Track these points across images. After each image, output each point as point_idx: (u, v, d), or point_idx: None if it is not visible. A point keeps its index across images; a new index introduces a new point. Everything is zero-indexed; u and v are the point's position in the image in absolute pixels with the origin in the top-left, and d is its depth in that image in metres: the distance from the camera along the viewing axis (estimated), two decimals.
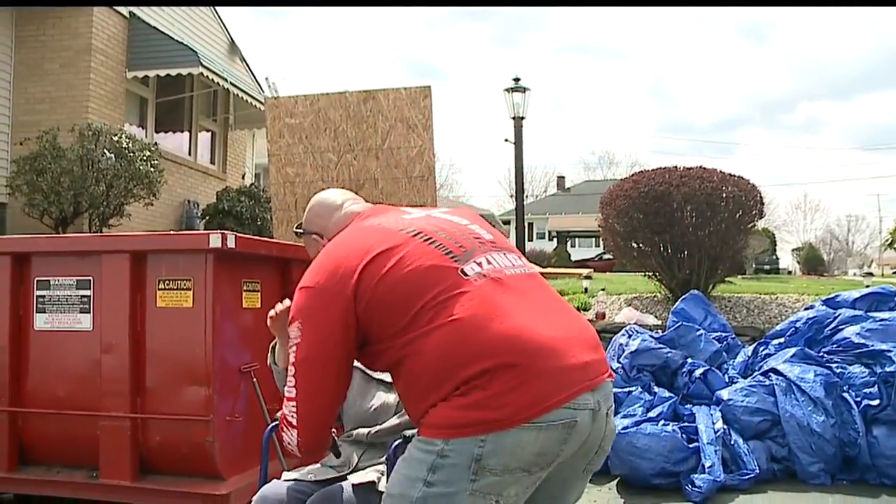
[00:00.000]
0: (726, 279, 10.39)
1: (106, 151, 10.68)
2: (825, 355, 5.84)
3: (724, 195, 9.03)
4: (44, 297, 4.37)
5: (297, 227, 2.65)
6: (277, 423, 2.82)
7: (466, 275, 2.11)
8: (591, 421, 2.06)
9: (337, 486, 2.54)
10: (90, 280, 4.29)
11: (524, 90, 15.92)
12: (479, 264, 2.16)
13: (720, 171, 9.45)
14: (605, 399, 2.12)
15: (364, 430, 2.67)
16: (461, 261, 2.15)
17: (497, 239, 2.33)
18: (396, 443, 2.46)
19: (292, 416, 2.17)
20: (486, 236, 2.30)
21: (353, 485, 2.53)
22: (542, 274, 2.38)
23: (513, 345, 1.99)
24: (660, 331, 6.80)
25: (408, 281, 2.09)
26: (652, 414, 5.56)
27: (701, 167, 9.60)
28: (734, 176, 9.39)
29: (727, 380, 5.95)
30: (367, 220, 2.35)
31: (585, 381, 2.04)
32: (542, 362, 1.98)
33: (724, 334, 6.52)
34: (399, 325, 2.07)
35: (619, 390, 5.73)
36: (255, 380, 4.33)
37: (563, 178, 65.33)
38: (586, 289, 11.65)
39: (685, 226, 8.98)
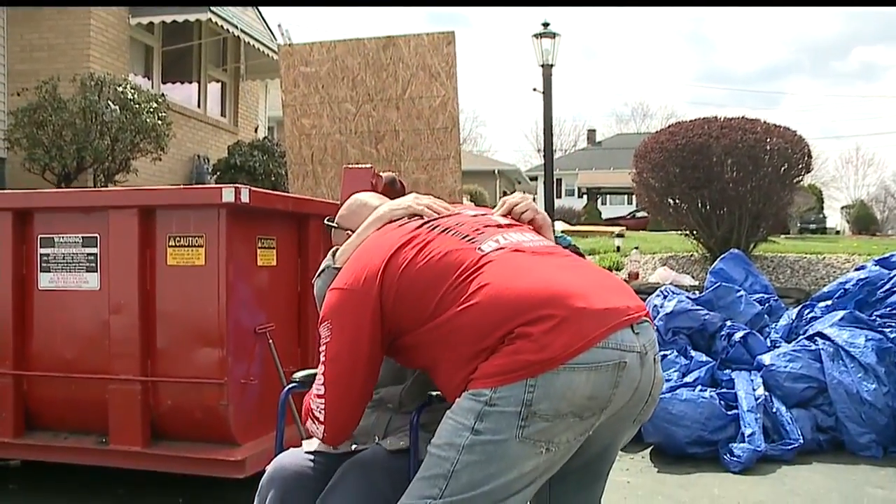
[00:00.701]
0: (769, 238, 10.31)
1: (110, 103, 10.68)
2: (878, 319, 5.79)
3: (768, 148, 8.93)
4: (48, 255, 4.39)
5: (328, 220, 2.85)
6: (294, 385, 2.84)
7: (484, 251, 2.24)
8: (640, 365, 2.13)
9: (370, 453, 2.53)
10: (97, 237, 4.30)
11: (554, 35, 15.73)
12: (497, 241, 2.30)
13: (764, 122, 9.33)
14: (651, 344, 2.20)
15: (394, 391, 2.65)
16: (478, 242, 2.29)
17: (523, 227, 2.49)
18: (421, 404, 2.45)
19: (319, 412, 2.31)
20: (504, 222, 2.47)
21: (388, 451, 2.52)
22: (571, 232, 2.45)
23: (544, 295, 2.08)
24: (697, 292, 6.77)
25: (429, 269, 2.22)
26: (688, 379, 5.55)
27: (743, 118, 9.49)
28: (779, 127, 9.27)
29: (769, 344, 5.93)
30: (398, 223, 2.53)
31: (625, 317, 2.12)
32: (577, 305, 2.08)
33: (765, 296, 6.48)
34: (427, 312, 2.18)
35: None
36: (270, 341, 4.34)
37: (594, 131, 64.98)
38: (618, 247, 11.62)
39: (725, 180, 8.90)
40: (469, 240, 2.29)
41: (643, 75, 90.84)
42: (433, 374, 2.27)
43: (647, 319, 2.22)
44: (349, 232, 2.67)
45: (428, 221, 2.45)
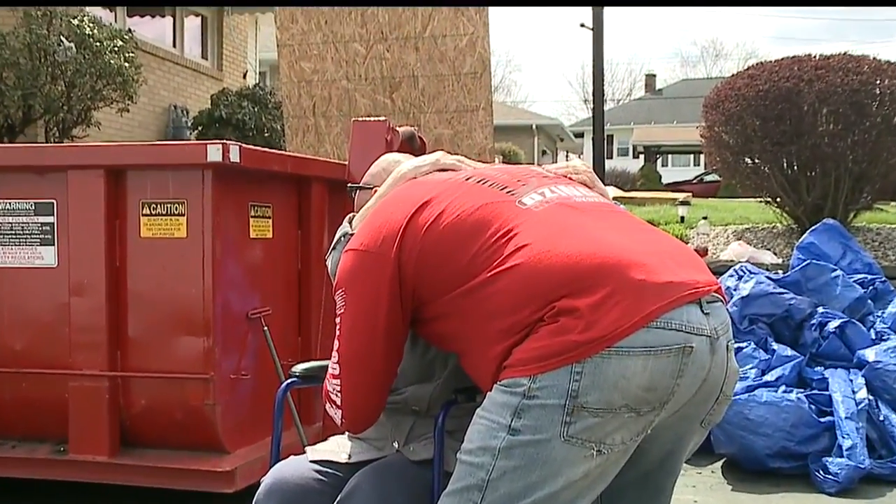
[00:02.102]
0: (875, 205, 10.19)
1: (63, 39, 10.65)
2: None
3: (878, 92, 8.80)
4: None
5: (351, 184, 2.92)
6: (294, 380, 2.85)
7: (525, 204, 2.25)
8: (709, 351, 2.11)
9: (388, 462, 2.53)
10: (53, 203, 4.31)
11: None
12: (542, 194, 2.31)
13: (873, 60, 9.19)
14: (724, 328, 2.18)
15: (421, 392, 2.64)
16: (518, 194, 2.30)
17: (575, 182, 2.51)
18: (445, 404, 2.45)
19: (336, 395, 2.36)
20: (550, 174, 2.49)
21: (410, 461, 2.53)
22: (624, 199, 2.53)
23: (595, 261, 2.08)
24: (780, 271, 6.72)
25: (458, 225, 2.23)
26: (769, 377, 5.53)
27: (845, 55, 9.36)
28: (893, 64, 9.11)
29: (873, 336, 5.87)
30: (424, 177, 2.56)
31: (691, 290, 2.11)
32: (634, 275, 2.08)
33: (869, 277, 6.41)
34: (454, 277, 2.19)
35: None
36: (265, 328, 4.36)
37: (654, 76, 64.55)
38: (682, 218, 11.57)
39: (819, 134, 8.80)
40: (508, 191, 2.30)
41: (715, 7, 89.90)
42: (462, 356, 2.28)
43: (720, 297, 2.21)
44: (376, 188, 2.69)
45: (460, 172, 2.47)
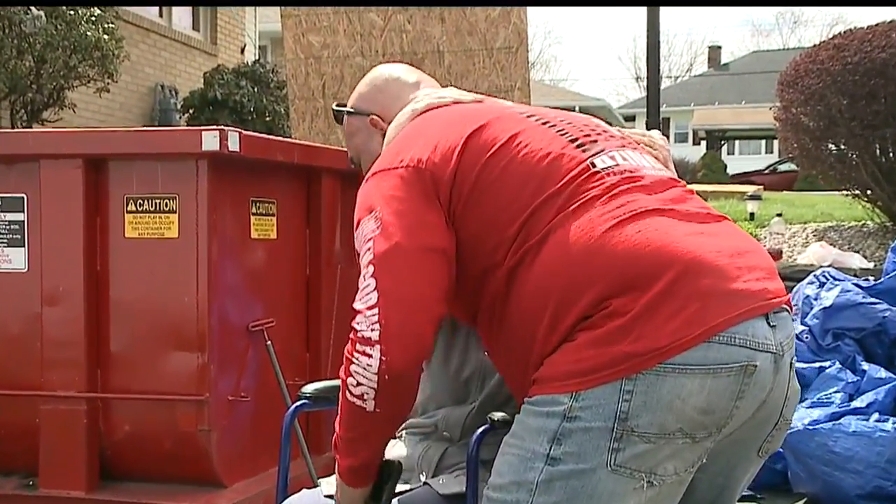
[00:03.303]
0: None
1: (32, 8, 10.71)
2: None
3: None
4: None
5: (337, 105, 2.76)
6: (303, 402, 2.86)
7: (596, 167, 2.25)
8: (772, 370, 2.12)
9: (415, 496, 2.54)
10: (22, 199, 4.34)
11: None
12: (612, 158, 2.30)
13: None
14: (789, 343, 2.18)
15: (455, 416, 2.64)
16: (590, 152, 2.29)
17: (632, 141, 2.48)
18: (480, 430, 2.45)
19: (373, 329, 2.19)
20: (616, 133, 2.46)
21: (440, 494, 2.53)
22: None
23: (659, 255, 2.07)
24: (871, 278, 6.70)
25: (521, 167, 2.24)
26: (859, 403, 5.49)
27: None
28: None
29: None
30: (466, 103, 2.52)
31: (761, 302, 2.10)
32: (700, 278, 2.06)
33: None
34: (505, 234, 2.20)
35: (805, 365, 5.68)
36: (268, 342, 4.38)
37: (719, 48, 64.28)
38: (752, 214, 11.53)
39: None
40: (579, 145, 2.30)
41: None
42: (490, 332, 2.28)
43: (787, 307, 2.21)
44: (374, 117, 2.63)
45: (513, 107, 2.47)
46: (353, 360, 2.21)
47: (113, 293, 4.25)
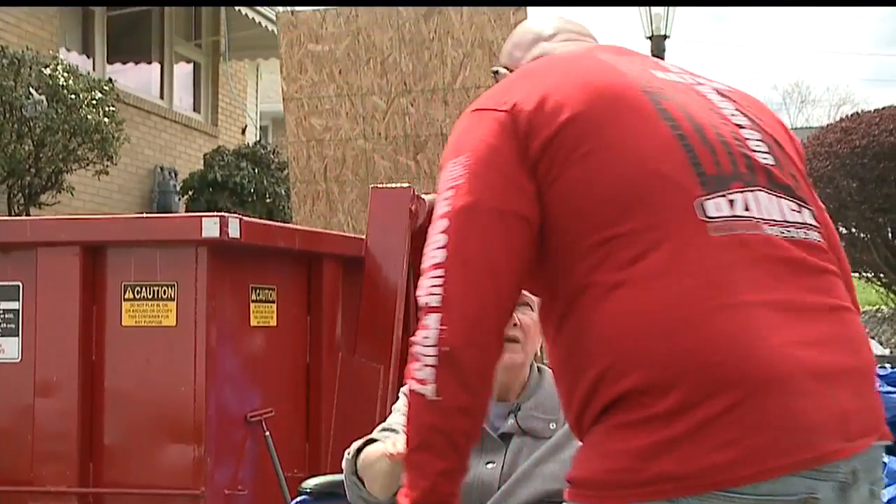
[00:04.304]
0: None
1: (33, 92, 10.76)
2: None
3: None
4: None
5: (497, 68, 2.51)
6: (304, 498, 2.82)
7: (706, 215, 1.91)
8: (836, 499, 1.86)
9: None
10: (18, 287, 4.34)
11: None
12: (732, 203, 1.94)
13: None
14: (868, 468, 1.92)
15: None
16: (709, 186, 1.93)
17: (783, 162, 2.09)
18: None
19: (434, 293, 1.98)
20: (761, 157, 2.04)
21: None
22: None
23: (731, 365, 1.81)
24: (888, 365, 6.65)
25: (620, 178, 1.94)
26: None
27: None
28: None
29: None
30: (602, 54, 2.21)
31: (839, 443, 1.84)
32: (771, 405, 1.80)
33: None
34: (578, 243, 1.94)
35: None
36: (267, 433, 4.35)
37: None
38: None
39: None
40: (699, 174, 1.94)
41: (799, 42, 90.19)
42: (550, 348, 2.05)
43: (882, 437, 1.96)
44: (504, 70, 2.44)
45: (658, 95, 2.05)
46: (415, 337, 2.00)
47: (108, 383, 4.23)
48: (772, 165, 2.03)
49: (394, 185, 5.84)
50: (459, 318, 1.95)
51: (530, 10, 7.70)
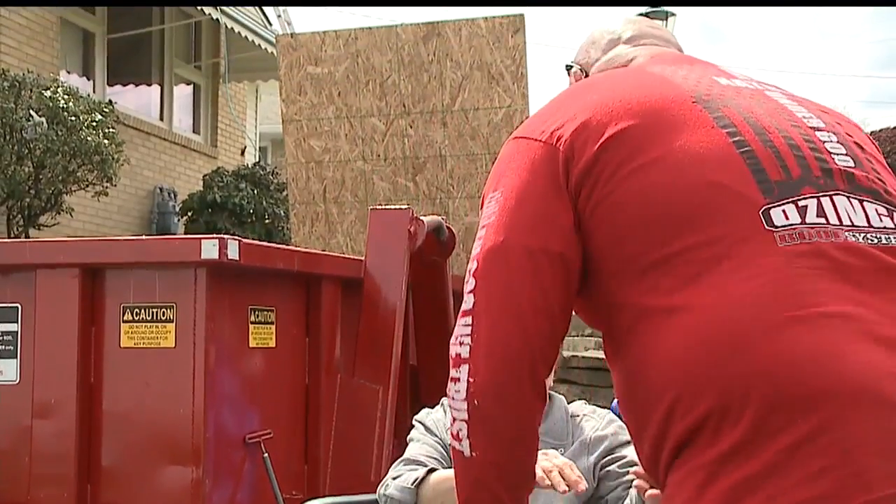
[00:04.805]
0: None
1: (33, 114, 10.77)
2: None
3: None
4: None
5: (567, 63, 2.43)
6: None
7: (771, 224, 1.76)
8: None
9: None
10: (17, 308, 4.33)
11: (667, 16, 15.85)
12: (803, 211, 1.78)
13: None
14: None
15: None
16: (773, 194, 1.79)
17: (865, 165, 1.92)
18: None
19: (464, 342, 1.90)
20: (839, 159, 1.88)
21: None
22: None
23: (810, 383, 1.63)
24: None
25: (672, 193, 1.81)
26: None
27: None
28: None
29: None
30: (653, 66, 2.13)
31: None
32: (867, 414, 1.60)
33: None
34: (629, 265, 1.83)
35: None
36: (265, 454, 4.32)
37: None
38: None
39: None
40: (761, 183, 1.79)
41: (796, 64, 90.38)
42: (617, 387, 1.92)
43: None
44: (577, 69, 2.40)
45: (715, 102, 1.93)
46: (447, 391, 1.94)
47: (106, 405, 4.21)
48: (852, 168, 1.87)
49: (393, 206, 5.84)
50: (485, 368, 1.86)
51: (528, 11, 7.71)
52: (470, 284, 1.92)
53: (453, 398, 1.90)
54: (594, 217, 1.86)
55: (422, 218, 4.94)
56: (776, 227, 1.75)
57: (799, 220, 1.76)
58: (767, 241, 1.73)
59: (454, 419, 1.90)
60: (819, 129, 1.93)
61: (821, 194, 1.80)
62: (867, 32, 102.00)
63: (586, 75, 2.31)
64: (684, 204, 1.79)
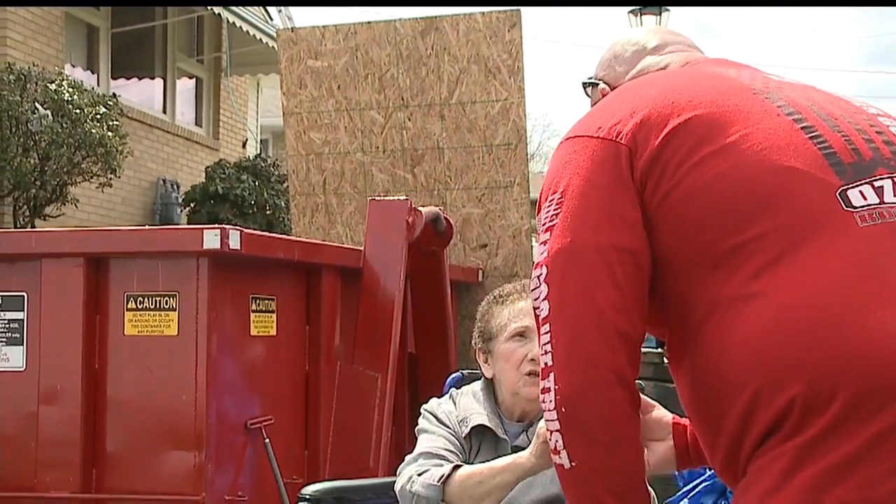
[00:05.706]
0: None
1: (38, 107, 10.76)
2: None
3: None
4: None
5: (586, 80, 2.33)
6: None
7: (850, 205, 1.69)
8: None
9: None
10: (23, 297, 4.33)
11: (660, 11, 15.81)
12: (880, 191, 1.72)
13: None
14: None
15: None
16: (848, 176, 1.73)
17: None
18: None
19: (547, 350, 1.81)
20: None
21: None
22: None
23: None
24: None
25: (744, 181, 1.74)
26: None
27: None
28: None
29: None
30: (702, 66, 2.08)
31: None
32: None
33: None
34: (698, 265, 1.76)
35: None
36: (267, 440, 4.34)
37: None
38: None
39: None
40: (835, 165, 1.73)
41: (786, 59, 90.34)
42: (681, 390, 1.86)
43: None
44: (604, 86, 2.27)
45: (773, 93, 1.88)
46: (541, 404, 1.83)
47: (110, 391, 4.22)
48: None
49: (391, 197, 5.84)
50: (568, 372, 1.77)
51: (525, 11, 7.72)
52: (541, 291, 1.83)
53: (547, 409, 1.80)
54: (661, 210, 1.80)
55: (420, 209, 4.95)
56: (855, 207, 1.68)
57: (877, 200, 1.69)
58: (847, 223, 1.67)
59: (550, 431, 1.81)
60: (881, 115, 1.89)
61: (895, 175, 1.74)
62: (857, 28, 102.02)
63: (611, 88, 2.19)
64: (757, 190, 1.72)
